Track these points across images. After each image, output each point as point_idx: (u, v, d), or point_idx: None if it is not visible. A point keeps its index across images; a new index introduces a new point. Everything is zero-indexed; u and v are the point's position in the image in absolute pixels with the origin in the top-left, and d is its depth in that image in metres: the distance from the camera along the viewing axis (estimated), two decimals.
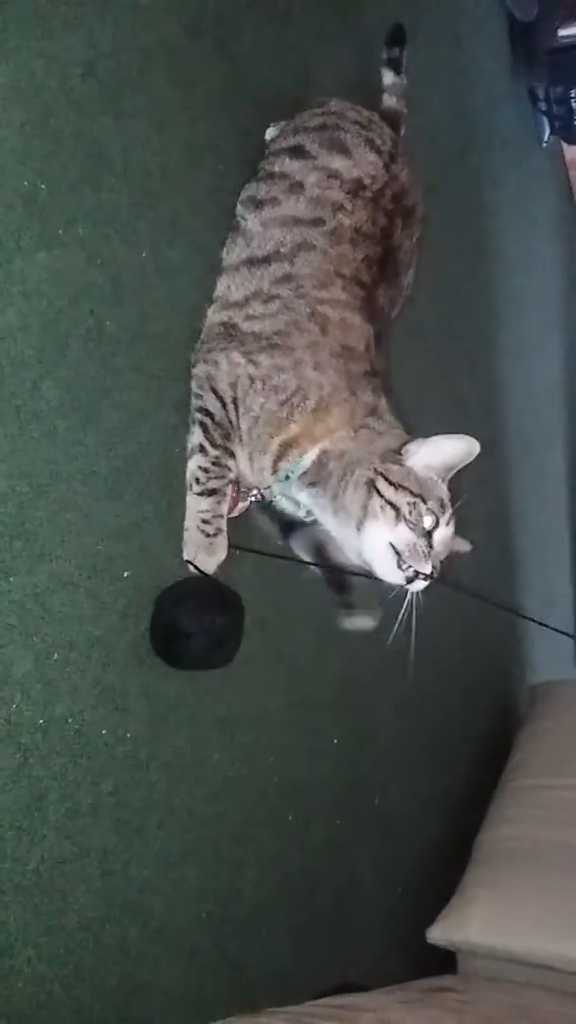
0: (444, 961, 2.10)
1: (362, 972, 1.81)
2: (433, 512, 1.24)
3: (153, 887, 1.26)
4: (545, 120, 4.49)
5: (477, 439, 1.28)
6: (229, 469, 1.34)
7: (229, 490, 1.34)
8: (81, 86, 1.21)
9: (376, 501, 1.24)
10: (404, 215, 1.50)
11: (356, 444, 1.31)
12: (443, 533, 1.26)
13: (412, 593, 1.26)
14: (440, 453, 1.28)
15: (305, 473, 1.32)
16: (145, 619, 1.26)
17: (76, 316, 1.17)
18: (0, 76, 1.08)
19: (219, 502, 1.32)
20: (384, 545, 1.25)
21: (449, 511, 1.28)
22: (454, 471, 1.31)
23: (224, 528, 1.33)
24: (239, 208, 1.48)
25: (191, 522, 1.32)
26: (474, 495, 1.52)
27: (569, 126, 4.47)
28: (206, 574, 1.32)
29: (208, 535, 1.32)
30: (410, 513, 1.23)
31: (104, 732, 1.18)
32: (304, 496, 1.34)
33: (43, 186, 1.13)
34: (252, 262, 1.40)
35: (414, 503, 1.24)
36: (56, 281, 1.14)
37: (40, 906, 1.07)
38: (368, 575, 1.31)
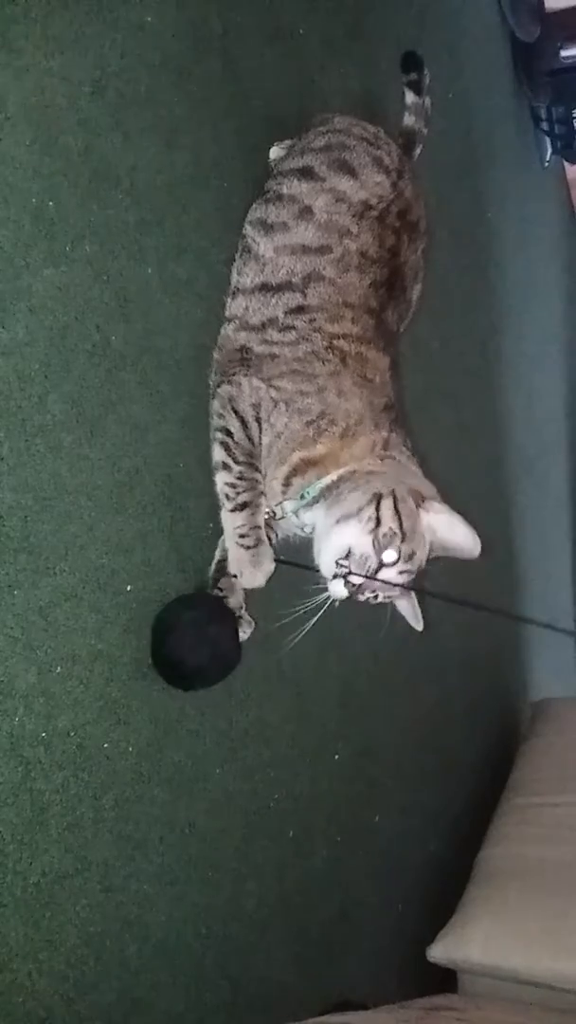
0: (445, 979, 2.09)
1: (362, 990, 1.80)
2: (400, 553, 1.27)
3: (153, 902, 1.25)
4: (547, 140, 4.53)
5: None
6: (257, 481, 1.34)
7: (263, 501, 1.35)
8: (89, 104, 1.22)
9: (370, 510, 1.27)
10: (409, 230, 1.51)
11: (385, 469, 1.34)
12: (391, 573, 1.29)
13: (328, 599, 1.30)
14: (450, 529, 1.33)
15: (318, 493, 1.34)
16: (147, 633, 1.26)
17: (82, 331, 1.18)
18: (10, 94, 1.09)
19: (253, 514, 1.33)
20: (344, 543, 1.28)
21: (411, 567, 1.30)
22: (443, 554, 1.35)
23: (264, 539, 1.34)
24: (248, 229, 1.48)
25: (230, 540, 1.33)
26: (477, 511, 1.53)
27: (571, 145, 4.51)
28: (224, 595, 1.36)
29: (248, 547, 1.32)
30: (383, 536, 1.26)
31: (106, 746, 1.18)
32: (309, 515, 1.35)
33: (51, 203, 1.14)
34: (266, 288, 1.42)
35: (394, 534, 1.27)
36: (63, 297, 1.15)
37: (41, 921, 1.07)
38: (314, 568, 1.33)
